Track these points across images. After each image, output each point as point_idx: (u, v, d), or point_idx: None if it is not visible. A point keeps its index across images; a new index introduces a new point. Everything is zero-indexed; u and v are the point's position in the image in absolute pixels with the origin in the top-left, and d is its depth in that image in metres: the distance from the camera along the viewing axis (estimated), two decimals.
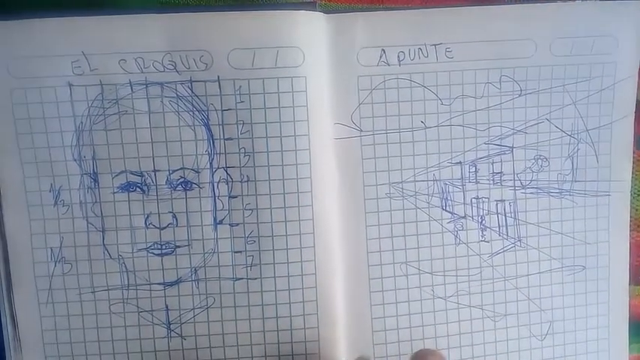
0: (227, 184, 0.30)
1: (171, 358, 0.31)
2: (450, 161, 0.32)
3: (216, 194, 0.30)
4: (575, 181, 0.33)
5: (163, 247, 0.31)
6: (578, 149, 0.33)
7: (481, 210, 0.32)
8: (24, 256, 0.30)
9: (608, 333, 0.34)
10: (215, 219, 0.30)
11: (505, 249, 0.33)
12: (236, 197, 0.30)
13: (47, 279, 0.30)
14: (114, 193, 0.30)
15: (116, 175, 0.30)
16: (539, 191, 0.33)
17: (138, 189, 0.30)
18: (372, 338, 0.32)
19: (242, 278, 0.31)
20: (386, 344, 0.32)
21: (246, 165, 0.30)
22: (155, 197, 0.30)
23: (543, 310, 0.33)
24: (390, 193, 0.32)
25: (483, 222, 0.33)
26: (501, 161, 0.32)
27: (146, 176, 0.30)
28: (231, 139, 0.30)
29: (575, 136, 0.33)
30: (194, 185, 0.30)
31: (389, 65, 0.31)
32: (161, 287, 0.31)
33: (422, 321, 0.32)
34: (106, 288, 0.31)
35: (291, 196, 0.30)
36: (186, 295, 0.31)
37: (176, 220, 0.30)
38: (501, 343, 0.33)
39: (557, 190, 0.33)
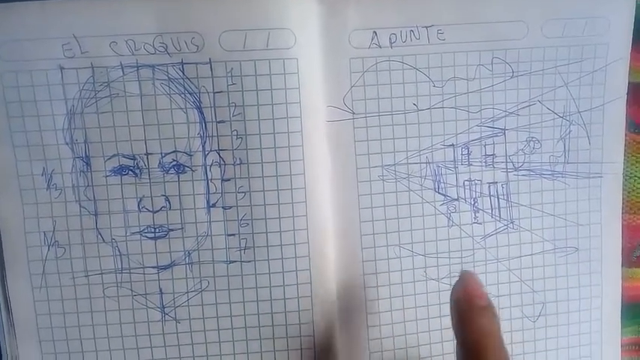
0: (220, 166, 0.30)
1: (165, 341, 0.31)
2: (442, 143, 0.32)
3: (209, 177, 0.30)
4: (568, 163, 0.33)
5: (156, 230, 0.31)
6: (570, 131, 0.33)
7: (474, 192, 0.32)
8: (17, 241, 0.30)
9: (600, 315, 0.34)
10: (208, 202, 0.30)
11: (497, 231, 0.33)
12: (229, 180, 0.30)
13: (40, 263, 0.30)
14: (106, 176, 0.30)
15: (108, 159, 0.30)
16: (531, 173, 0.33)
17: (130, 172, 0.30)
18: (365, 320, 0.32)
19: (235, 261, 0.31)
20: (380, 326, 0.32)
21: (238, 148, 0.30)
22: (148, 180, 0.30)
23: (536, 291, 0.33)
24: (382, 176, 0.32)
25: (476, 204, 0.33)
26: (494, 143, 0.32)
27: (138, 159, 0.30)
28: (224, 122, 0.30)
29: (567, 118, 0.33)
30: (186, 168, 0.30)
31: (381, 47, 0.31)
32: (155, 271, 0.31)
33: (415, 302, 0.32)
34: (100, 272, 0.31)
35: (283, 178, 0.30)
36: (179, 279, 0.31)
37: (169, 203, 0.30)
38: None
39: (550, 172, 0.33)
